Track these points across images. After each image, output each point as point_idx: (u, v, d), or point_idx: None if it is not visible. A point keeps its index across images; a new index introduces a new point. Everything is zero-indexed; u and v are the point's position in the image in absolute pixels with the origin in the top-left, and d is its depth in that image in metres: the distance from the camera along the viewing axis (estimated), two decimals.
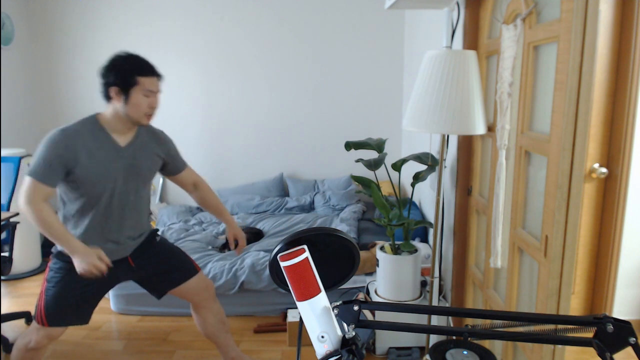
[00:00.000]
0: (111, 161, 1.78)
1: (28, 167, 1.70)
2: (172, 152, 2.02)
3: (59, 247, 1.82)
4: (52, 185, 1.69)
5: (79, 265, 1.67)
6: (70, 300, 1.84)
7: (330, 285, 0.92)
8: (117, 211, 1.85)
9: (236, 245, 2.12)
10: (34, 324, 1.86)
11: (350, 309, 0.82)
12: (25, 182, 1.67)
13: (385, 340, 2.47)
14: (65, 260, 1.81)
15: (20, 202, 1.67)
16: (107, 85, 1.74)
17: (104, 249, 1.80)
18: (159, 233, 2.13)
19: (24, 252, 3.59)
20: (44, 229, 1.67)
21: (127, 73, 1.71)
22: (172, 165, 2.03)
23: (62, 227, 1.71)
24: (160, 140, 1.98)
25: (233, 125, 4.38)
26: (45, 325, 1.82)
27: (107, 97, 1.76)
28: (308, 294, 0.76)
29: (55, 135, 1.72)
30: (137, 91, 1.72)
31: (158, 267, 2.02)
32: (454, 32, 2.33)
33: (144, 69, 1.73)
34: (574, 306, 2.47)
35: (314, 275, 0.77)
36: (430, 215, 3.05)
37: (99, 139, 1.77)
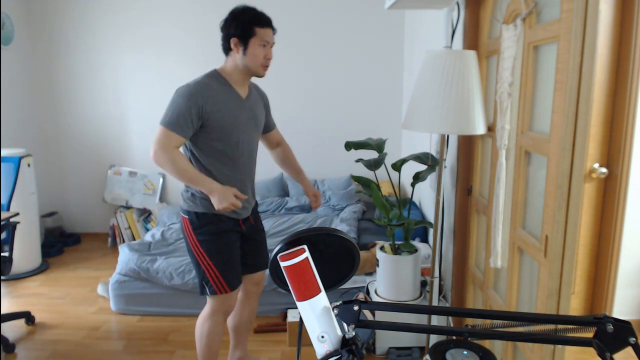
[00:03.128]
0: (239, 112, 1.85)
1: (161, 118, 1.74)
2: (269, 109, 2.12)
3: (197, 209, 1.86)
4: (185, 136, 1.74)
5: (218, 203, 1.72)
6: (236, 258, 1.94)
7: (330, 285, 0.92)
8: (246, 161, 1.92)
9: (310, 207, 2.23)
10: (216, 299, 1.92)
11: (350, 309, 0.82)
12: (158, 131, 1.72)
13: (385, 340, 2.47)
14: (210, 222, 1.86)
15: (152, 150, 1.71)
16: (227, 37, 1.80)
17: (242, 203, 1.88)
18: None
19: (24, 252, 3.59)
20: (178, 173, 1.72)
21: (245, 24, 1.76)
22: (267, 121, 2.11)
23: (195, 169, 1.75)
24: (263, 95, 2.07)
25: None
26: (229, 291, 1.91)
27: (227, 50, 1.82)
28: (308, 294, 0.76)
29: (189, 88, 1.75)
30: (255, 41, 1.77)
31: (256, 243, 2.09)
32: (454, 32, 2.33)
33: (261, 20, 1.78)
34: (574, 306, 2.47)
35: (314, 275, 0.77)
36: (430, 215, 3.05)
37: (225, 91, 1.82)
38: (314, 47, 4.24)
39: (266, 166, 4.50)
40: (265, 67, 1.83)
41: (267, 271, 2.86)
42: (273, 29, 1.84)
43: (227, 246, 1.91)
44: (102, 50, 4.25)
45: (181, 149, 1.81)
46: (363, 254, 2.90)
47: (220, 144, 1.82)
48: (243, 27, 1.76)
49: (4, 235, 2.74)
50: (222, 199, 1.73)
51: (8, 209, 2.95)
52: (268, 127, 2.13)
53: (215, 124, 1.78)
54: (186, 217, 1.89)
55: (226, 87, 1.83)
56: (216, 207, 1.73)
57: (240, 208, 1.90)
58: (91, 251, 4.19)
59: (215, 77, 1.83)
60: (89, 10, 4.19)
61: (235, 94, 1.86)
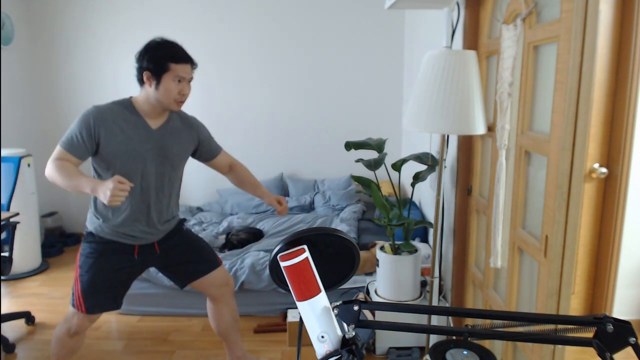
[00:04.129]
0: (141, 142, 1.81)
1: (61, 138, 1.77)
2: (204, 138, 2.04)
3: (89, 228, 1.87)
4: (78, 156, 1.74)
5: (104, 196, 1.57)
6: (105, 284, 1.88)
7: (330, 285, 0.92)
8: (146, 194, 1.87)
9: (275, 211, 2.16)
10: (71, 311, 1.89)
11: (350, 309, 0.82)
12: (55, 149, 1.75)
13: (385, 340, 2.47)
14: (95, 241, 1.85)
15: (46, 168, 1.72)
16: (140, 70, 1.77)
17: (134, 231, 1.85)
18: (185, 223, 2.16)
19: (24, 252, 3.59)
20: (62, 179, 1.66)
21: (159, 59, 1.73)
22: (206, 151, 2.06)
23: (78, 171, 1.70)
24: (192, 126, 1.99)
25: (232, 125, 4.38)
26: (84, 313, 1.85)
27: (141, 81, 1.79)
28: (308, 294, 0.76)
29: (88, 111, 1.75)
30: (168, 77, 1.74)
31: (183, 256, 2.05)
32: (454, 32, 2.33)
33: (176, 56, 1.75)
34: (574, 306, 2.47)
35: (314, 275, 0.77)
36: (430, 215, 3.05)
37: (130, 120, 1.80)
38: (314, 47, 4.23)
39: (266, 166, 4.51)
40: (180, 102, 1.80)
41: (267, 271, 2.85)
42: (192, 64, 1.80)
43: (100, 270, 1.85)
44: (102, 50, 4.25)
45: (91, 172, 1.83)
46: (363, 254, 2.90)
47: (117, 172, 1.77)
48: (156, 62, 1.73)
49: (4, 235, 2.74)
50: (106, 190, 1.56)
51: (8, 209, 2.95)
52: (209, 155, 2.07)
53: (109, 150, 1.75)
54: (85, 231, 1.91)
55: (133, 116, 1.80)
56: (106, 203, 1.57)
57: (137, 234, 1.87)
58: None
59: (124, 105, 1.80)
60: (89, 11, 4.19)
61: (142, 124, 1.81)
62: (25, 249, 3.61)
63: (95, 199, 1.86)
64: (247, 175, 2.16)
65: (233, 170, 2.16)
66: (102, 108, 1.76)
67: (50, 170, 1.70)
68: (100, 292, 1.87)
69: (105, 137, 1.74)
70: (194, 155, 2.05)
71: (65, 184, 1.68)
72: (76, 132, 1.72)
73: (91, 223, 1.88)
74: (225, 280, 2.14)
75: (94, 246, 1.86)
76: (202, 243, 2.13)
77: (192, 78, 1.82)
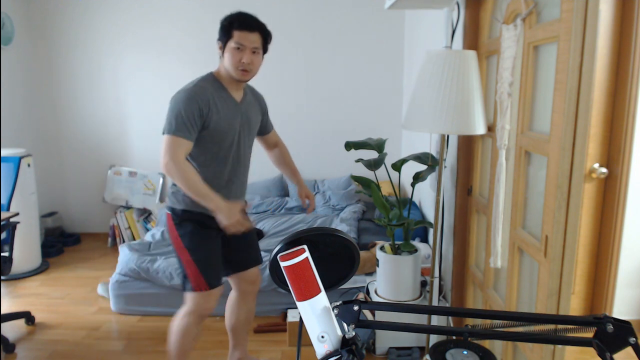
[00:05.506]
0: (234, 116, 1.85)
1: (164, 127, 1.73)
2: (266, 112, 2.12)
3: (177, 206, 1.86)
4: (192, 139, 1.73)
5: (225, 220, 1.70)
6: (216, 255, 1.92)
7: (330, 285, 0.92)
8: (235, 163, 1.91)
9: (305, 207, 2.21)
10: (193, 297, 1.88)
11: (350, 309, 0.82)
12: (165, 141, 1.70)
13: (385, 340, 2.47)
14: (194, 220, 1.85)
15: (163, 162, 1.69)
16: (217, 42, 1.82)
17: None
18: None
19: (24, 252, 3.59)
20: (188, 187, 1.70)
21: (224, 27, 1.78)
22: (264, 124, 2.12)
23: (204, 184, 1.73)
24: (259, 99, 2.07)
25: None
26: (208, 289, 1.87)
27: (219, 54, 1.84)
28: (308, 294, 0.76)
29: (187, 92, 1.75)
30: (230, 45, 1.77)
31: (247, 240, 2.07)
32: (454, 32, 2.33)
33: (239, 23, 1.77)
34: (574, 306, 2.47)
35: (314, 275, 0.77)
36: (430, 215, 3.05)
37: (220, 95, 1.83)
38: (314, 47, 4.23)
39: (266, 166, 4.49)
40: (243, 71, 1.80)
41: (267, 271, 2.85)
42: (263, 34, 1.82)
43: (207, 243, 1.89)
44: (102, 50, 4.25)
45: None
46: (363, 254, 2.90)
47: (214, 146, 1.82)
48: (222, 30, 1.78)
49: (4, 235, 2.74)
50: (228, 216, 1.70)
51: (8, 209, 2.95)
52: (265, 129, 2.14)
53: (212, 126, 1.78)
54: (169, 212, 1.90)
55: (221, 90, 1.84)
56: (222, 225, 1.71)
57: (250, 227, 1.91)
58: (91, 251, 4.19)
59: (210, 81, 1.83)
60: (89, 11, 4.19)
61: (230, 97, 1.86)
62: (25, 249, 3.61)
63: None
64: (288, 158, 2.23)
65: (278, 147, 2.22)
66: (198, 87, 1.77)
67: (176, 172, 1.68)
68: (213, 265, 1.91)
69: (209, 115, 1.76)
70: None
71: (189, 190, 1.71)
72: (188, 115, 1.70)
73: (181, 201, 1.86)
74: (256, 277, 2.17)
75: (191, 224, 1.85)
76: (255, 235, 2.17)
77: (257, 48, 1.81)
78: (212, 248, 1.91)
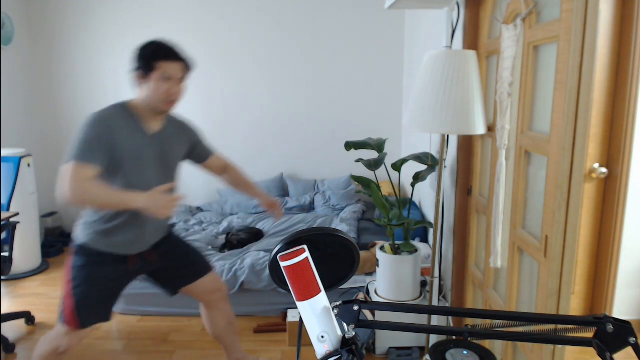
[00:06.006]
0: (143, 147, 1.77)
1: (68, 155, 1.60)
2: (197, 140, 2.02)
3: (81, 240, 1.79)
4: (100, 164, 1.63)
5: (152, 211, 1.57)
6: (99, 295, 1.82)
7: (330, 285, 0.92)
8: None
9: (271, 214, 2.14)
10: (59, 328, 1.81)
11: (350, 309, 0.82)
12: (66, 170, 1.58)
13: (385, 340, 2.47)
14: (88, 253, 1.79)
15: (63, 193, 1.56)
16: (133, 71, 1.74)
17: (130, 239, 1.80)
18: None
19: (24, 252, 3.59)
20: (99, 203, 1.61)
21: (146, 57, 1.71)
22: (199, 153, 2.04)
23: (113, 192, 1.63)
24: (186, 129, 1.98)
25: (232, 126, 4.38)
26: (77, 328, 1.78)
27: (135, 83, 1.77)
28: (308, 294, 0.76)
29: (93, 118, 1.68)
30: (156, 76, 1.70)
31: (175, 261, 2.02)
32: (454, 32, 2.33)
33: (163, 54, 1.71)
34: (574, 306, 2.47)
35: (314, 275, 0.77)
36: (430, 215, 3.05)
37: (129, 125, 1.74)
38: (314, 47, 4.23)
39: (266, 166, 4.51)
40: (169, 102, 1.74)
41: (267, 271, 2.85)
42: (185, 63, 1.75)
43: (94, 283, 1.79)
44: (102, 50, 4.25)
45: None
46: (363, 254, 2.90)
47: (119, 178, 1.73)
48: (144, 61, 1.70)
49: (4, 235, 2.74)
50: (152, 206, 1.57)
51: (8, 209, 2.95)
52: (202, 157, 2.04)
53: (113, 155, 1.68)
54: (74, 244, 1.83)
55: (131, 120, 1.75)
56: (156, 217, 1.58)
57: (131, 243, 1.82)
58: None
59: (121, 109, 1.75)
60: (89, 11, 4.19)
61: (140, 128, 1.76)
62: (25, 249, 3.61)
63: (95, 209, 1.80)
64: (240, 176, 2.14)
65: (227, 172, 2.14)
66: (105, 114, 1.71)
67: (81, 194, 1.57)
68: (95, 305, 1.82)
69: (112, 144, 1.68)
70: (186, 158, 2.02)
71: (105, 203, 1.61)
72: (89, 141, 1.62)
73: (84, 235, 1.80)
74: (216, 286, 2.10)
75: (86, 259, 1.79)
76: (192, 248, 2.10)
77: (183, 77, 1.77)
78: (99, 288, 1.81)
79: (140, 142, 1.76)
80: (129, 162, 1.73)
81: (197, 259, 2.08)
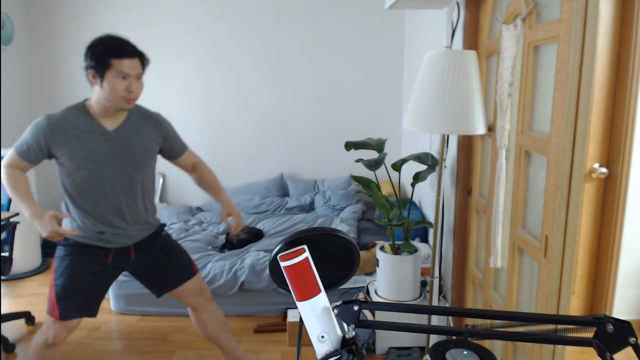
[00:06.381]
0: (99, 145, 1.77)
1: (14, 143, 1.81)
2: (169, 135, 1.98)
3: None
4: (28, 161, 1.78)
5: (40, 230, 1.64)
6: (78, 287, 1.84)
7: (330, 285, 0.92)
8: (115, 196, 1.83)
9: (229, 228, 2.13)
10: (47, 320, 1.86)
11: (350, 309, 0.82)
12: (8, 152, 1.77)
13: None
14: (68, 245, 1.83)
15: None
16: (85, 69, 1.72)
17: (103, 233, 1.83)
18: (165, 228, 2.12)
19: (24, 252, 3.59)
20: (9, 190, 1.72)
21: (99, 55, 1.67)
22: (169, 148, 2.00)
23: (27, 191, 1.75)
24: (155, 122, 1.94)
25: (233, 126, 4.38)
26: (58, 318, 1.82)
27: (90, 81, 1.75)
28: (308, 294, 0.76)
29: (38, 122, 1.75)
30: (111, 74, 1.67)
31: (157, 264, 2.01)
32: (454, 32, 2.33)
33: (117, 50, 1.67)
34: (574, 306, 2.47)
35: (314, 275, 0.77)
36: (430, 215, 3.05)
37: (85, 124, 1.76)
38: (314, 47, 4.23)
39: (266, 166, 4.51)
40: (129, 99, 1.73)
41: (267, 271, 2.85)
42: (141, 59, 1.74)
43: (75, 273, 1.82)
44: None
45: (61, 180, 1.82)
46: (363, 254, 2.90)
47: (78, 177, 1.77)
48: (97, 59, 1.67)
49: (4, 235, 2.74)
50: (40, 226, 1.63)
51: (8, 209, 2.95)
52: (173, 153, 2.03)
53: (66, 157, 1.74)
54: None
55: (88, 119, 1.76)
56: (42, 235, 1.64)
57: (111, 235, 1.84)
58: None
59: (77, 109, 1.77)
60: (89, 11, 4.19)
61: (97, 126, 1.77)
62: (25, 249, 3.61)
63: (67, 203, 1.84)
64: (209, 177, 2.11)
65: (196, 170, 2.11)
66: (52, 118, 1.74)
67: (4, 175, 1.74)
68: (73, 297, 1.83)
69: (58, 146, 1.73)
70: (159, 152, 2.00)
71: (12, 196, 1.74)
72: (27, 142, 1.75)
73: (65, 226, 1.87)
74: (199, 288, 2.09)
75: (68, 249, 1.83)
76: (179, 251, 2.08)
77: (140, 74, 1.75)
78: (78, 280, 1.83)
79: (97, 140, 1.77)
80: (83, 161, 1.76)
81: (180, 264, 2.06)
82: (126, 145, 1.82)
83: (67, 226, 1.86)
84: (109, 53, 1.67)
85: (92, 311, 1.90)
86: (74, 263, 1.83)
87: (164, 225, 2.09)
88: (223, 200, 2.10)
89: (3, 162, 1.75)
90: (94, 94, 1.76)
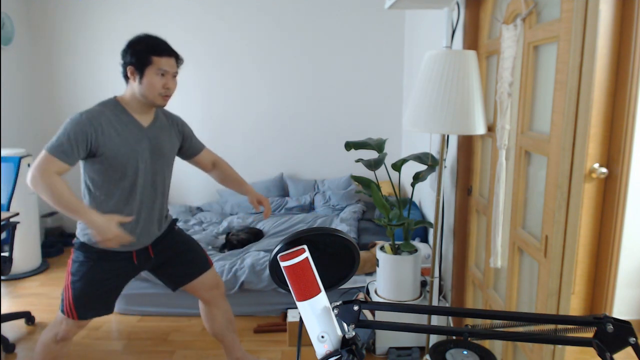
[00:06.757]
0: (137, 141, 1.80)
1: (47, 144, 1.66)
2: (187, 134, 2.05)
3: (81, 238, 1.84)
4: (69, 162, 1.66)
5: (99, 236, 1.62)
6: (98, 292, 1.85)
7: (330, 285, 0.92)
8: (144, 191, 1.85)
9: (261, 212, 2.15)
10: (59, 316, 1.86)
11: (350, 309, 0.82)
12: (40, 156, 1.63)
13: (385, 340, 2.47)
14: (88, 251, 1.82)
15: (30, 175, 1.60)
16: (124, 65, 1.76)
17: (132, 235, 1.80)
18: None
19: (24, 252, 3.59)
20: (56, 201, 1.61)
21: (141, 52, 1.73)
22: (189, 147, 2.06)
23: (76, 198, 1.65)
24: (177, 122, 2.00)
25: (233, 126, 4.38)
26: (75, 319, 1.83)
27: (126, 77, 1.79)
28: (308, 294, 0.76)
29: (78, 117, 1.69)
30: (151, 70, 1.73)
31: (174, 258, 2.03)
32: (454, 32, 2.33)
33: (158, 49, 1.74)
34: (574, 306, 2.47)
35: (314, 275, 0.77)
36: (430, 215, 3.05)
37: (122, 119, 1.78)
38: (314, 47, 4.23)
39: (266, 166, 4.51)
40: (165, 97, 1.78)
41: (267, 271, 2.85)
42: (177, 58, 1.80)
43: (93, 279, 1.82)
44: (102, 50, 4.25)
45: (82, 176, 1.80)
46: (363, 254, 2.90)
47: (115, 174, 1.76)
48: (138, 56, 1.72)
49: (4, 235, 2.74)
50: (102, 232, 1.62)
51: (8, 209, 2.95)
52: (192, 152, 2.07)
53: (108, 153, 1.72)
54: (75, 238, 1.87)
55: (123, 115, 1.78)
56: (97, 241, 1.64)
57: (137, 235, 1.84)
58: None
59: (111, 106, 1.78)
60: (89, 11, 4.19)
61: (134, 122, 1.80)
62: (25, 249, 3.61)
63: (94, 203, 1.82)
64: (230, 171, 2.16)
65: (217, 168, 2.16)
66: (93, 113, 1.72)
67: (42, 185, 1.60)
68: (93, 299, 1.85)
69: (102, 142, 1.71)
70: (177, 153, 2.04)
71: (58, 204, 1.62)
72: (70, 141, 1.65)
73: (84, 234, 1.83)
74: (215, 282, 2.12)
75: (87, 255, 1.82)
76: (194, 244, 2.11)
77: (176, 72, 1.82)
78: (98, 284, 1.84)
79: (136, 135, 1.79)
80: (124, 156, 1.76)
81: (196, 257, 2.09)
82: (159, 142, 1.87)
83: (86, 232, 1.83)
84: (150, 51, 1.73)
85: (109, 309, 1.93)
86: (94, 269, 1.83)
87: (176, 220, 2.12)
88: (249, 191, 2.13)
89: (38, 170, 1.60)
90: (129, 90, 1.79)
